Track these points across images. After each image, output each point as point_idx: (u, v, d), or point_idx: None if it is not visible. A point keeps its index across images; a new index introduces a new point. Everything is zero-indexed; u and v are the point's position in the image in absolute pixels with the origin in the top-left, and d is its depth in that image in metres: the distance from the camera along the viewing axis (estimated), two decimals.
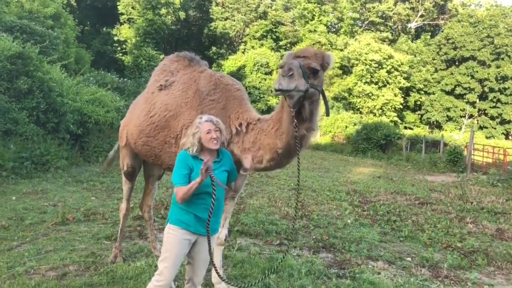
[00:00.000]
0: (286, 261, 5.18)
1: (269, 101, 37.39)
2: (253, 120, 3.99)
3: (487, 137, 35.47)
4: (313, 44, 38.26)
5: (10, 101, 11.81)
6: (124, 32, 35.55)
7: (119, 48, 35.21)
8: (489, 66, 36.78)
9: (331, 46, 39.33)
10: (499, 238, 7.17)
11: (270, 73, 39.78)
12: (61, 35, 18.77)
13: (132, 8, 35.84)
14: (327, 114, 3.87)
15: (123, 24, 36.61)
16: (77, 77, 17.53)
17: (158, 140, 4.40)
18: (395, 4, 42.48)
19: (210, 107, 4.11)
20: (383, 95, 35.92)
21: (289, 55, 3.60)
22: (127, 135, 4.85)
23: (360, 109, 36.63)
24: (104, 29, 36.49)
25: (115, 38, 35.41)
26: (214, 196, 3.09)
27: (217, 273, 3.49)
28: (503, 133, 37.42)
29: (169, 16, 37.72)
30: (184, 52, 4.91)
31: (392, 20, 44.04)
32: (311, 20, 40.86)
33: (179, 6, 38.04)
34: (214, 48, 43.16)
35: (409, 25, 45.27)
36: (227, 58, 41.94)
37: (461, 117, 38.28)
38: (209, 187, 3.11)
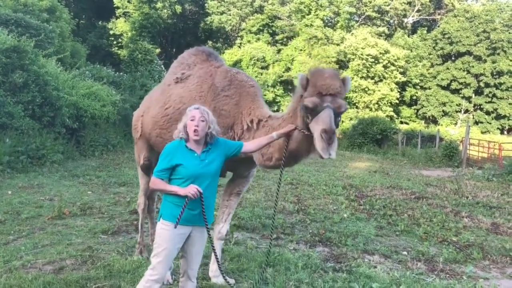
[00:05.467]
0: (282, 254, 5.21)
1: (265, 95, 37.27)
2: (264, 117, 3.98)
3: (482, 132, 35.59)
4: (310, 38, 38.19)
5: (6, 95, 11.76)
6: (120, 26, 35.25)
7: (115, 42, 34.88)
8: (485, 61, 36.85)
9: (327, 41, 39.24)
10: (494, 232, 7.21)
11: (266, 67, 39.61)
12: (56, 29, 18.65)
13: (128, 1, 35.52)
14: None
15: (119, 18, 36.31)
16: (73, 71, 17.48)
17: (171, 132, 4.39)
18: None
19: (224, 102, 4.13)
20: (379, 90, 35.96)
21: (315, 81, 3.39)
22: (142, 126, 4.86)
23: (356, 104, 36.64)
24: (100, 22, 36.17)
25: (111, 32, 35.09)
26: (203, 207, 3.18)
27: (219, 265, 3.63)
28: (498, 128, 37.58)
29: (165, 10, 37.47)
30: (203, 46, 4.97)
31: (389, 14, 44.00)
32: (308, 15, 40.67)
33: (175, 0, 37.82)
34: (210, 42, 42.89)
35: (405, 19, 45.23)
36: (223, 52, 41.68)
37: (456, 112, 38.37)
38: (198, 178, 3.16)
